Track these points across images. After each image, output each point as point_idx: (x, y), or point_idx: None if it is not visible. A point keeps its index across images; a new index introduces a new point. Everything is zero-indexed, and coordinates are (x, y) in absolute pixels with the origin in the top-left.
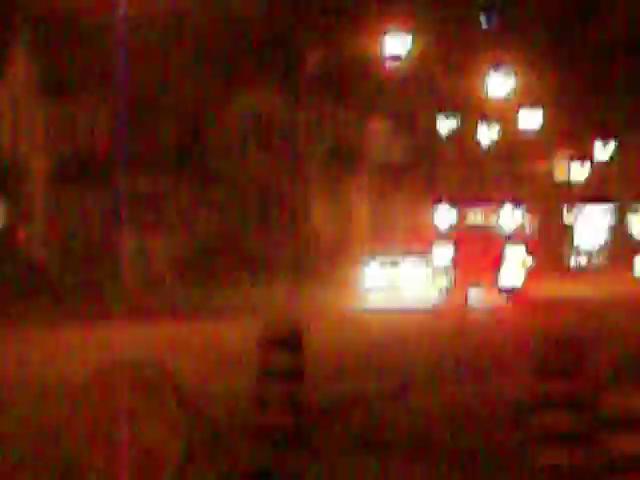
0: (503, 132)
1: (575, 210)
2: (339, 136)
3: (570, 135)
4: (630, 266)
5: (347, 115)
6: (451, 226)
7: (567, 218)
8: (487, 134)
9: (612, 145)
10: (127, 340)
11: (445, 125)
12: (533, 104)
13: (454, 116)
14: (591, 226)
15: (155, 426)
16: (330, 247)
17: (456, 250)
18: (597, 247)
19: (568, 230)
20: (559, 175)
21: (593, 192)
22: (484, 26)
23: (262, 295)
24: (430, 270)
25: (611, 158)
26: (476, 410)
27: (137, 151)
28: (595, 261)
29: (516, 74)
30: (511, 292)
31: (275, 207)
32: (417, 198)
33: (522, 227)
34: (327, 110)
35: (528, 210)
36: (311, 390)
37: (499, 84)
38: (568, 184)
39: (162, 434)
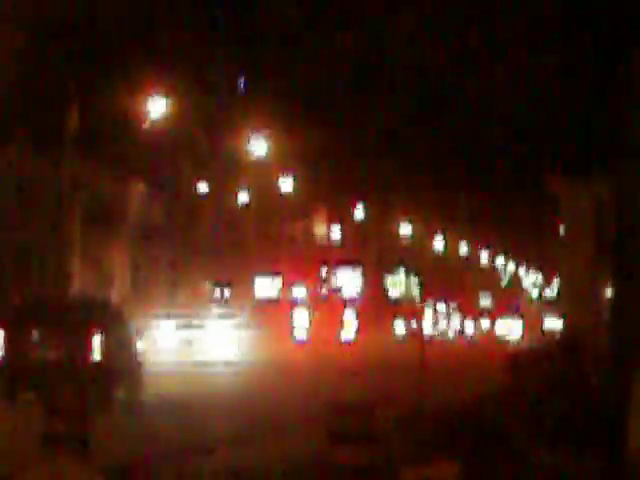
0: (260, 195)
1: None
2: (99, 198)
3: (327, 197)
4: (388, 326)
5: (107, 177)
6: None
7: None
8: (245, 196)
9: (362, 207)
10: None
11: (204, 187)
12: (289, 167)
13: (213, 179)
14: (347, 286)
15: None
16: None
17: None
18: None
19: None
20: (318, 236)
21: (350, 253)
22: (240, 91)
23: None
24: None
25: (363, 220)
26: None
27: None
28: None
29: (271, 138)
30: (349, 344)
31: (36, 269)
32: (177, 259)
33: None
34: (87, 171)
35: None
36: None
37: (257, 148)
38: (328, 245)
39: None
